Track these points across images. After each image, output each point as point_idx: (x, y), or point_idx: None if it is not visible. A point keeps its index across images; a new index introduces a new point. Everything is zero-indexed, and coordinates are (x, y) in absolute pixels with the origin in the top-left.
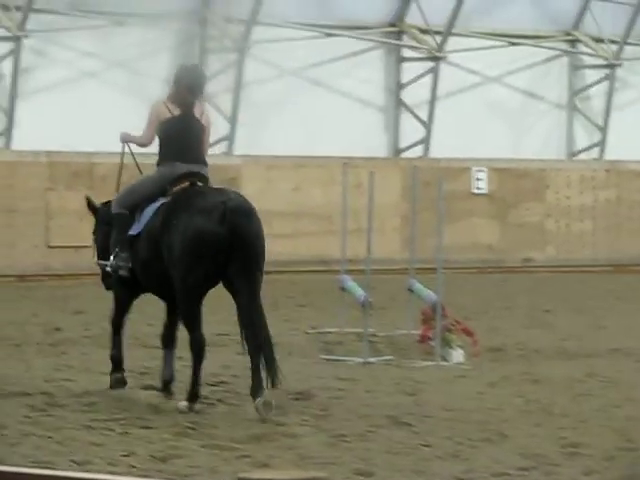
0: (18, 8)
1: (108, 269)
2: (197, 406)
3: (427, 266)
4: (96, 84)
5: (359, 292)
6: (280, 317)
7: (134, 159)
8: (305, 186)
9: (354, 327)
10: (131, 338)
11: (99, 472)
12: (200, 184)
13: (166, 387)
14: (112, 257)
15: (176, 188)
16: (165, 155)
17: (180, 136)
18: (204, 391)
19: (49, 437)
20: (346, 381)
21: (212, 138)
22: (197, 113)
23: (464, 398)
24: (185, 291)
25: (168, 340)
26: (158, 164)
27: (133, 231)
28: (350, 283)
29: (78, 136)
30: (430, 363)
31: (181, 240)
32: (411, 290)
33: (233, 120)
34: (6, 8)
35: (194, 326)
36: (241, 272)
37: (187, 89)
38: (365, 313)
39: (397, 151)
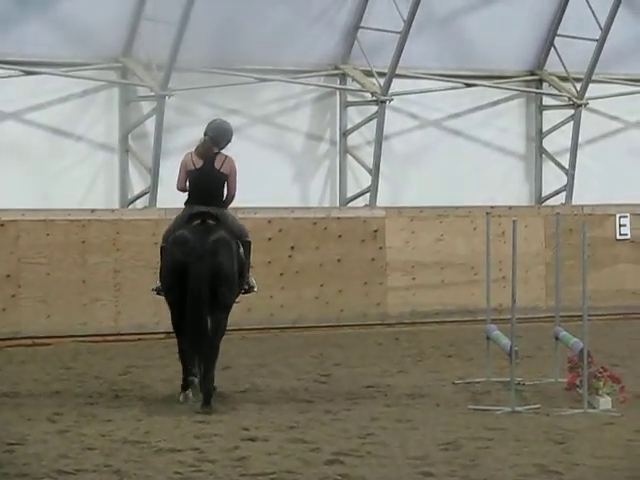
0: (160, 67)
1: (154, 292)
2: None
3: (572, 314)
4: (238, 139)
5: (505, 341)
6: (427, 368)
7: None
8: (448, 236)
9: (501, 376)
10: (280, 392)
11: None
12: (210, 222)
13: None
14: (157, 281)
15: (187, 225)
16: (188, 199)
17: (199, 184)
18: (353, 444)
19: None
20: (494, 430)
21: (354, 191)
22: (218, 163)
23: (613, 445)
24: (168, 306)
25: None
26: (184, 205)
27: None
28: (496, 332)
29: None
30: (578, 411)
31: (164, 267)
32: (557, 338)
33: (375, 172)
34: (148, 68)
35: (177, 334)
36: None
37: (211, 141)
38: (511, 362)
39: (539, 199)
